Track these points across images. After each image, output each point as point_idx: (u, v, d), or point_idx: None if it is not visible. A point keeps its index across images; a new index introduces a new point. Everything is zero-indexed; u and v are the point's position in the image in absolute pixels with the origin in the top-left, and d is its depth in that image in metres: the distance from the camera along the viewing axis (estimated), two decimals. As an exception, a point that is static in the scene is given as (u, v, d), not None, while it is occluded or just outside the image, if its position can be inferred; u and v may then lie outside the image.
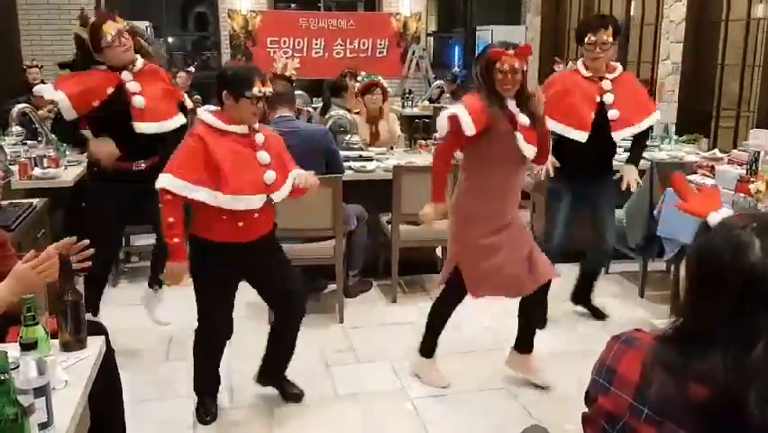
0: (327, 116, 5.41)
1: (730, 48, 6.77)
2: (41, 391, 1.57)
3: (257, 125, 2.94)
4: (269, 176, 2.88)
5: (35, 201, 3.71)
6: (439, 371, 3.52)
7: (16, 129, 5.60)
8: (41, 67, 8.13)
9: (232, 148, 2.83)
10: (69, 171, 4.63)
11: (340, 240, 4.22)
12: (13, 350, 1.58)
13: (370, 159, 5.01)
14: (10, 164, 4.47)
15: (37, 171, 4.48)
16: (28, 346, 1.60)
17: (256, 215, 2.89)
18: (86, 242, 2.21)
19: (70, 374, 1.88)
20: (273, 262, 3.12)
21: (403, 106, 9.45)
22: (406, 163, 4.78)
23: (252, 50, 10.15)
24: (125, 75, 3.47)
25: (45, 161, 4.58)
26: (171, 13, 10.77)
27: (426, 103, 9.53)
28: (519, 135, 3.06)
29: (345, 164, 4.70)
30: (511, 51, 2.99)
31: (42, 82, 7.60)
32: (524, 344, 3.46)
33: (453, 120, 3.06)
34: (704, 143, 6.18)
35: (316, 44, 10.39)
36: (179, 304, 3.18)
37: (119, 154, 3.51)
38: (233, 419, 3.21)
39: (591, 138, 3.78)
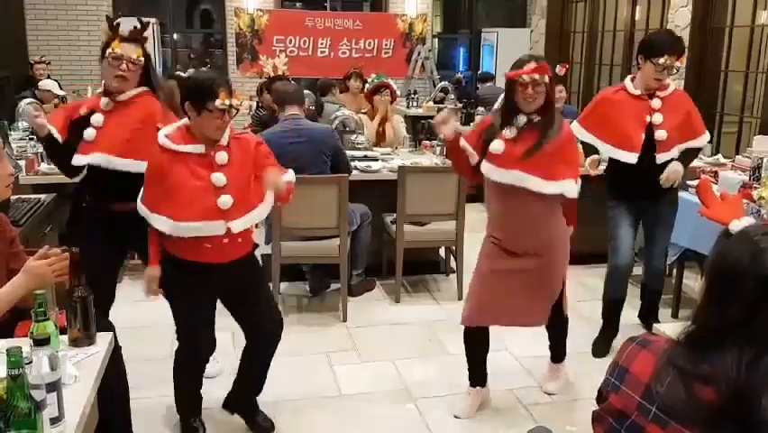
0: (333, 116, 5.44)
1: (734, 54, 6.78)
2: (53, 387, 1.60)
3: (224, 140, 2.67)
4: (224, 200, 2.61)
5: (43, 197, 3.74)
6: (467, 400, 3.31)
7: (23, 124, 5.63)
8: (49, 63, 8.17)
9: (186, 170, 2.61)
10: (76, 167, 4.64)
11: (344, 239, 4.24)
12: (24, 345, 1.60)
13: (375, 159, 5.03)
14: (17, 159, 4.50)
15: (44, 167, 4.50)
16: (41, 342, 1.63)
17: (225, 240, 2.67)
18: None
19: (80, 370, 1.90)
20: (248, 287, 2.90)
21: (408, 107, 9.47)
22: (411, 164, 4.80)
23: (258, 48, 10.17)
24: (103, 101, 3.06)
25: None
26: (177, 11, 10.79)
27: (431, 104, 9.54)
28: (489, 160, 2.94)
29: (350, 164, 4.73)
30: (533, 65, 2.86)
31: (49, 77, 7.64)
32: (551, 352, 3.50)
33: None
34: (707, 149, 6.19)
35: (322, 44, 10.41)
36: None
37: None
38: (236, 418, 3.21)
39: (641, 159, 3.59)
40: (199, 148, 2.62)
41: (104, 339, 2.12)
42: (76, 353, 2.00)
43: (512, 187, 2.91)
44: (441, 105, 9.26)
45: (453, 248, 4.80)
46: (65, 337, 2.05)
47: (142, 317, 3.96)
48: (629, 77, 3.74)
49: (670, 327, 2.33)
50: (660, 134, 3.57)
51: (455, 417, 3.26)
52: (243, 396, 3.09)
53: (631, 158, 3.59)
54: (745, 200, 3.80)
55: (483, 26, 11.40)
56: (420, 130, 8.60)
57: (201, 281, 2.75)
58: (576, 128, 3.66)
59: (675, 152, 3.62)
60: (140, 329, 3.87)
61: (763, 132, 5.94)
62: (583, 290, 4.78)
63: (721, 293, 1.20)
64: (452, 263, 4.98)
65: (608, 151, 3.68)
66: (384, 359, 3.83)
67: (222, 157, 2.63)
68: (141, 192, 2.70)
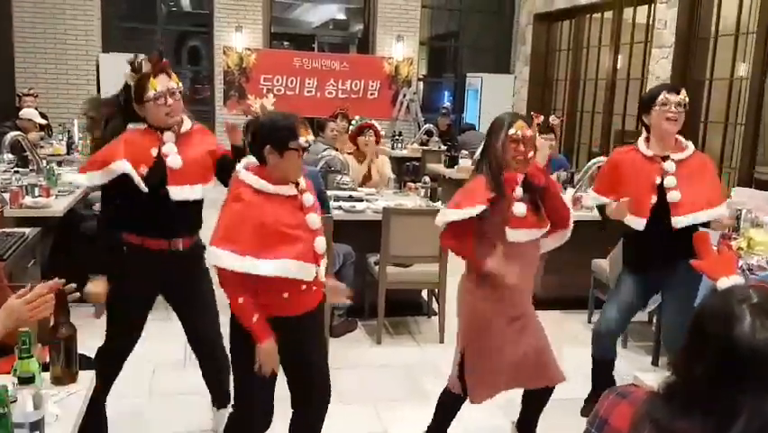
0: (319, 156, 5.48)
1: (714, 106, 6.95)
2: (37, 426, 1.59)
3: (302, 182, 2.56)
4: (320, 243, 2.50)
5: (27, 231, 3.72)
6: None
7: (7, 156, 5.62)
8: (37, 96, 8.18)
9: (282, 213, 2.45)
10: (60, 201, 4.64)
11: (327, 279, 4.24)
12: (7, 383, 1.59)
13: (360, 199, 5.07)
14: (1, 192, 4.49)
15: (28, 200, 4.48)
16: (25, 380, 1.62)
17: (303, 286, 2.48)
18: (74, 285, 2.16)
19: (61, 408, 1.89)
20: (315, 350, 2.71)
21: (393, 148, 9.57)
22: (395, 205, 4.83)
23: (246, 86, 10.26)
24: (167, 135, 2.89)
25: (37, 189, 4.60)
26: (166, 47, 10.88)
27: (416, 146, 9.66)
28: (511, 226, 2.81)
29: (335, 203, 4.77)
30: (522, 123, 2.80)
31: (36, 110, 7.64)
32: (525, 426, 3.26)
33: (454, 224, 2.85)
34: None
35: (309, 83, 10.52)
36: (162, 336, 3.16)
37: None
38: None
39: (653, 224, 3.32)
40: (290, 189, 2.49)
41: (86, 378, 2.10)
42: (57, 391, 1.98)
43: (517, 250, 2.83)
44: (426, 148, 9.37)
45: (436, 290, 4.81)
46: (46, 375, 2.03)
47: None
48: (643, 136, 3.47)
49: (650, 376, 2.35)
50: (673, 196, 3.28)
51: None
52: None
53: (639, 224, 3.34)
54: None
55: (468, 71, 11.60)
56: (405, 171, 8.71)
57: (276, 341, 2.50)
58: (592, 195, 3.60)
59: (696, 217, 3.30)
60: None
61: (742, 183, 6.07)
62: (564, 336, 4.80)
63: (692, 350, 1.22)
64: (435, 305, 4.99)
65: (625, 219, 3.39)
66: (364, 402, 3.81)
67: (309, 199, 2.54)
68: (222, 237, 2.40)
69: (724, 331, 1.16)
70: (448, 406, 3.12)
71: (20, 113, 7.27)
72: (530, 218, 2.84)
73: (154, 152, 2.85)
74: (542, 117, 5.92)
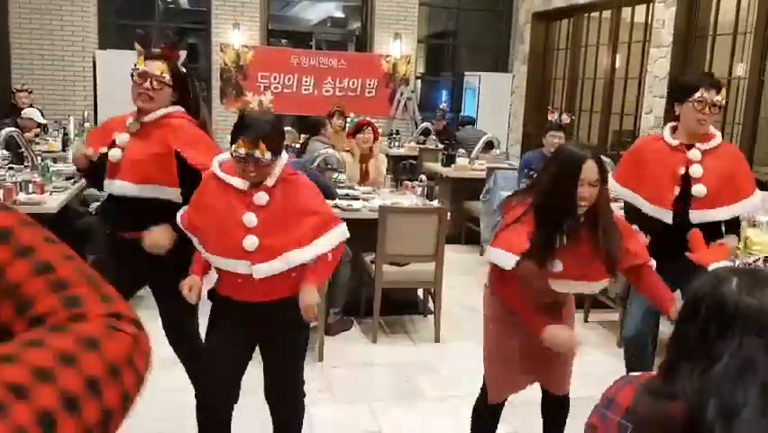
0: (316, 154, 5.46)
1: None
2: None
3: (270, 181, 2.53)
4: (249, 242, 2.48)
5: (20, 227, 3.68)
6: None
7: (2, 153, 5.59)
8: (31, 92, 8.15)
9: (225, 202, 2.53)
10: (54, 198, 4.61)
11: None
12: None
13: (356, 198, 5.05)
14: (-5, 188, 4.46)
15: (22, 197, 4.46)
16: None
17: (239, 279, 2.55)
18: None
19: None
20: (276, 338, 2.72)
21: (390, 147, 9.55)
22: (391, 204, 4.82)
23: (243, 84, 10.24)
24: (129, 120, 2.90)
25: (31, 186, 4.58)
26: (163, 44, 10.85)
27: (413, 144, 9.64)
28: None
29: (331, 202, 4.74)
30: (593, 164, 2.41)
31: (31, 106, 7.62)
32: None
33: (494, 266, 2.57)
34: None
35: (306, 81, 10.50)
36: (151, 333, 3.14)
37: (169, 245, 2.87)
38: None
39: (678, 217, 3.17)
40: (242, 184, 2.52)
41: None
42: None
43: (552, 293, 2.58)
44: (423, 146, 9.36)
45: (432, 289, 4.80)
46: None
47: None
48: (670, 125, 3.29)
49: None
50: (698, 189, 3.12)
51: None
52: None
53: (665, 215, 3.17)
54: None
55: (466, 69, 11.59)
56: (402, 170, 8.69)
57: (235, 323, 2.62)
58: (612, 185, 3.18)
59: (718, 213, 3.16)
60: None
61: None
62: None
63: (685, 318, 1.36)
64: (431, 304, 4.97)
65: (642, 206, 3.25)
66: (359, 400, 3.79)
67: (261, 198, 2.51)
68: (183, 209, 2.69)
69: (713, 291, 1.30)
70: (484, 420, 2.91)
71: (22, 112, 7.24)
72: (574, 271, 2.51)
73: (115, 135, 2.89)
74: (557, 113, 5.93)
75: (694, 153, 3.16)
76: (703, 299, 1.31)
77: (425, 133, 9.91)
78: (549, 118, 5.86)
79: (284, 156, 2.61)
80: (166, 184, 2.86)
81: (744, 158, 3.39)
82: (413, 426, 3.56)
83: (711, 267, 2.16)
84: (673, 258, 3.05)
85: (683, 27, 7.13)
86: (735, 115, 6.72)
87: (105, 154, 2.90)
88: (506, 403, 2.90)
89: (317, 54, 10.90)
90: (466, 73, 11.47)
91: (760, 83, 6.24)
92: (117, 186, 2.89)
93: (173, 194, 2.88)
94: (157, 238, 2.85)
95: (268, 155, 2.42)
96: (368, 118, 5.76)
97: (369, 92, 10.82)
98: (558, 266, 2.48)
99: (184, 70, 2.99)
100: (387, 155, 8.70)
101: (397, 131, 10.17)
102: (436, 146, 9.14)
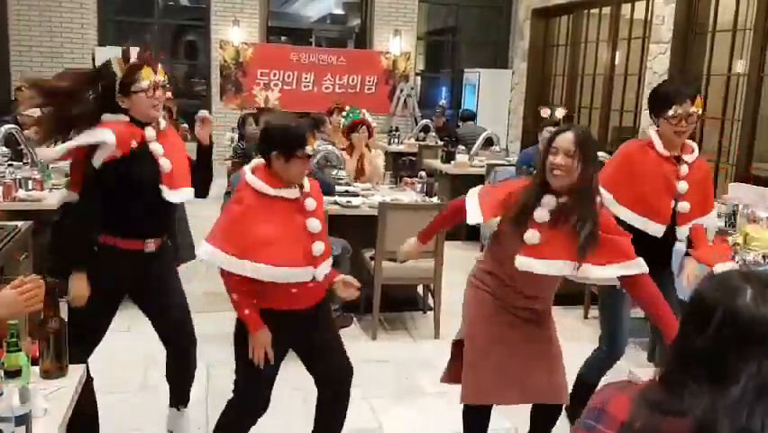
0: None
1: (711, 101, 6.93)
2: (22, 420, 1.57)
3: (306, 186, 2.64)
4: (318, 247, 2.57)
5: (20, 224, 3.68)
6: None
7: (2, 150, 5.58)
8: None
9: (281, 216, 2.55)
10: (54, 194, 4.61)
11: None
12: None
13: (355, 194, 5.05)
14: (-6, 185, 4.46)
15: (21, 193, 4.46)
16: (12, 374, 1.60)
17: (310, 283, 2.61)
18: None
19: (50, 402, 1.87)
20: (328, 330, 2.85)
21: (389, 143, 9.54)
22: (391, 200, 4.82)
23: (242, 81, 10.23)
24: (149, 132, 2.84)
25: (30, 183, 4.57)
26: (162, 41, 10.85)
27: (413, 141, 9.63)
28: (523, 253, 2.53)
29: (330, 198, 4.74)
30: (570, 135, 2.48)
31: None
32: None
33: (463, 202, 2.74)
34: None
35: (306, 78, 10.49)
36: (153, 331, 3.14)
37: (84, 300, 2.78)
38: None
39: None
40: (293, 193, 2.57)
41: (75, 372, 2.08)
42: (46, 385, 1.96)
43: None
44: (422, 143, 9.35)
45: (431, 286, 4.80)
46: (36, 369, 2.02)
47: (114, 345, 3.90)
48: (655, 130, 3.21)
49: (646, 371, 2.34)
50: (683, 206, 3.15)
51: None
52: None
53: (657, 230, 3.15)
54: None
55: (466, 66, 11.57)
56: (401, 166, 8.68)
57: (283, 333, 2.64)
58: (605, 197, 3.04)
59: (693, 225, 3.20)
60: (110, 357, 3.81)
61: (738, 179, 6.06)
62: (560, 332, 4.78)
63: (691, 327, 1.25)
64: (430, 301, 4.97)
65: (632, 220, 3.12)
66: (359, 397, 3.78)
67: (311, 204, 2.61)
68: (217, 236, 2.52)
69: (726, 302, 1.19)
70: (471, 423, 2.95)
71: (20, 108, 7.21)
72: (550, 250, 2.51)
73: (134, 143, 2.78)
74: (548, 111, 5.92)
75: (684, 169, 3.16)
76: (714, 310, 1.20)
77: (425, 129, 9.91)
78: (542, 115, 5.87)
79: None
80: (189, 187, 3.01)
81: (710, 173, 3.42)
82: (413, 422, 3.56)
83: (716, 268, 2.16)
84: (657, 272, 2.99)
85: (683, 23, 7.12)
86: (734, 112, 6.72)
87: (128, 162, 2.78)
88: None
89: (317, 51, 10.89)
90: (466, 70, 11.46)
91: (759, 79, 6.24)
92: (185, 193, 2.95)
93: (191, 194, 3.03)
94: (79, 290, 2.76)
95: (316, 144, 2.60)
96: (361, 116, 5.74)
97: (368, 89, 10.81)
98: (535, 238, 2.50)
99: None
100: (386, 152, 8.72)
101: (397, 128, 10.16)
102: (436, 143, 9.14)
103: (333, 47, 11.67)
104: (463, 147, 7.67)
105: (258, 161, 2.64)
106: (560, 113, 5.73)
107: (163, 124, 2.92)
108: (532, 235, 2.50)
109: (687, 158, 3.18)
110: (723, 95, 6.79)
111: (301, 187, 2.61)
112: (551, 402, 2.84)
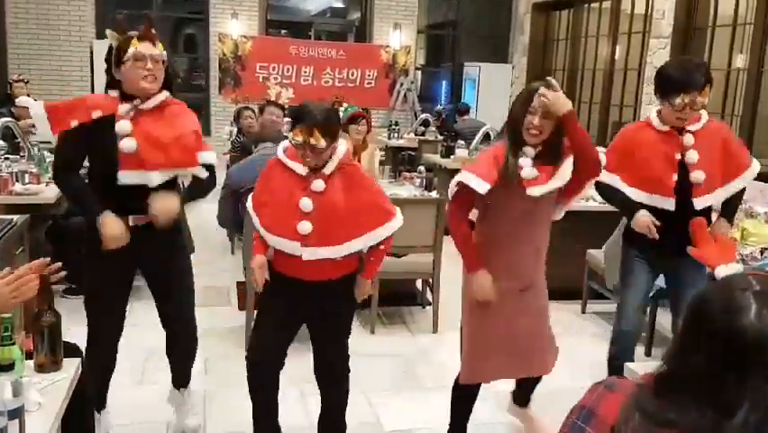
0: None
1: (710, 96, 6.90)
2: (15, 414, 1.56)
3: (328, 169, 2.66)
4: (303, 226, 2.62)
5: (16, 217, 3.67)
6: None
7: (-1, 142, 5.57)
8: (27, 82, 8.12)
9: (285, 186, 2.69)
10: (51, 188, 4.59)
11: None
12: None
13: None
14: (-9, 178, 4.45)
15: (18, 187, 4.45)
16: (4, 368, 1.59)
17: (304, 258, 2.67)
18: (59, 264, 2.11)
19: (44, 396, 1.86)
20: (331, 314, 2.85)
21: (389, 138, 9.53)
22: (390, 195, 4.78)
23: (241, 74, 10.20)
24: (122, 107, 2.74)
25: (27, 176, 4.56)
26: (161, 33, 10.79)
27: (412, 135, 9.61)
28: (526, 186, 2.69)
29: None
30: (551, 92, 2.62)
31: (28, 96, 7.58)
32: (520, 398, 3.29)
33: (461, 185, 2.75)
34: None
35: (305, 72, 10.47)
36: (155, 323, 3.13)
37: (125, 242, 2.77)
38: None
39: (676, 205, 3.12)
40: (302, 169, 2.68)
41: (70, 365, 2.07)
42: (41, 378, 1.95)
43: (529, 213, 2.75)
44: (422, 138, 9.33)
45: (430, 280, 4.79)
46: (31, 362, 2.01)
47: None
48: (655, 109, 3.21)
49: (643, 365, 2.33)
50: (696, 176, 3.08)
51: None
52: None
53: (668, 203, 3.11)
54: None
55: (466, 60, 11.54)
56: (401, 161, 8.67)
57: (288, 299, 2.79)
58: (606, 176, 3.16)
59: (718, 194, 3.15)
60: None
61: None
62: (556, 326, 4.78)
63: (691, 341, 1.18)
64: (429, 296, 4.97)
65: (642, 199, 3.16)
66: (357, 391, 3.78)
67: (318, 185, 2.65)
68: (254, 192, 2.81)
69: (728, 320, 1.12)
70: (462, 399, 3.05)
71: (16, 100, 7.21)
72: (545, 177, 2.70)
73: (96, 113, 2.71)
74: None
75: (688, 138, 3.10)
76: (715, 328, 1.13)
77: (425, 124, 9.89)
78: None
79: (343, 145, 2.72)
80: (189, 165, 2.87)
81: (731, 131, 3.29)
82: (410, 416, 3.56)
83: (718, 271, 2.09)
84: (663, 249, 3.12)
85: (683, 18, 7.10)
86: (734, 107, 6.70)
87: (88, 131, 2.72)
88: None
89: (316, 45, 10.86)
90: (466, 64, 11.44)
91: (759, 74, 6.22)
92: (147, 177, 2.76)
93: (198, 171, 2.91)
94: (167, 203, 2.78)
95: (322, 142, 2.56)
96: (360, 110, 5.71)
97: (368, 83, 10.79)
98: (533, 173, 2.67)
99: None
100: (386, 146, 8.70)
101: (397, 122, 10.15)
102: (436, 137, 9.13)
103: (333, 40, 11.64)
104: (463, 142, 7.65)
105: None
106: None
107: (156, 100, 2.78)
108: (529, 172, 2.67)
109: (691, 127, 3.10)
110: (723, 90, 6.77)
111: (318, 169, 2.66)
112: (541, 374, 3.06)
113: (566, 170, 2.74)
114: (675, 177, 3.09)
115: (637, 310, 3.35)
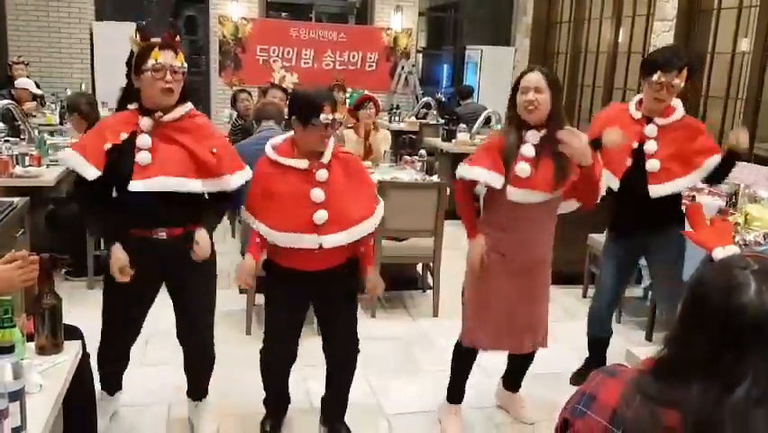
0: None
1: (714, 80, 6.88)
2: (16, 396, 1.55)
3: (326, 158, 2.73)
4: (319, 215, 2.67)
5: (16, 200, 3.66)
6: (457, 421, 3.27)
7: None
8: (28, 64, 8.09)
9: (288, 183, 2.70)
10: (51, 171, 4.58)
11: (322, 252, 4.22)
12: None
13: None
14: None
15: (18, 170, 4.43)
16: (4, 350, 1.59)
17: (317, 250, 2.73)
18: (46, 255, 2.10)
19: (45, 378, 1.86)
20: (338, 298, 2.96)
21: (390, 121, 9.48)
22: (391, 179, 4.78)
23: (242, 56, 10.15)
24: (144, 122, 2.68)
25: (27, 159, 4.55)
26: (161, 16, 10.75)
27: (413, 119, 9.57)
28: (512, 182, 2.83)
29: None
30: (537, 74, 2.80)
31: (27, 78, 7.56)
32: (510, 383, 3.43)
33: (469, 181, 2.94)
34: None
35: (306, 54, 10.41)
36: (154, 307, 3.12)
37: (130, 274, 2.69)
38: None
39: (631, 188, 3.32)
40: (302, 163, 2.72)
41: (72, 348, 2.07)
42: (42, 361, 1.95)
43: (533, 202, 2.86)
44: (423, 121, 9.29)
45: (431, 264, 4.78)
46: (32, 345, 2.00)
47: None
48: (638, 97, 3.42)
49: (644, 350, 2.33)
50: (651, 164, 3.27)
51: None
52: (329, 412, 3.18)
53: (614, 183, 3.33)
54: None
55: (468, 43, 11.47)
56: (402, 145, 8.64)
57: (297, 288, 2.87)
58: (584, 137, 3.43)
59: (676, 185, 3.31)
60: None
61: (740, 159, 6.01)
62: (558, 310, 4.79)
63: (692, 322, 1.19)
64: (430, 280, 4.96)
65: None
66: (357, 374, 3.78)
67: (322, 174, 2.72)
68: (246, 198, 2.81)
69: (728, 298, 1.13)
70: (461, 357, 3.21)
71: (15, 82, 7.19)
72: (538, 179, 2.80)
73: (123, 135, 2.67)
74: None
75: (650, 129, 3.29)
76: (716, 307, 1.14)
77: (426, 107, 9.84)
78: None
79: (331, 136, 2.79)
80: (211, 176, 2.78)
81: (704, 130, 3.43)
82: (411, 399, 3.57)
83: (715, 252, 2.10)
84: (634, 227, 3.46)
85: (687, 1, 7.05)
86: (738, 91, 6.66)
87: (118, 152, 2.68)
88: (508, 420, 3.23)
89: (317, 27, 10.79)
90: (467, 47, 11.36)
91: (764, 58, 6.18)
92: (157, 182, 2.67)
93: (222, 184, 2.81)
94: (205, 246, 2.78)
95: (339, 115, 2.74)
96: (368, 93, 5.69)
97: (369, 66, 10.74)
98: (525, 170, 2.78)
99: None
100: (388, 130, 8.66)
101: (398, 105, 10.10)
102: (437, 121, 9.08)
103: (334, 23, 11.56)
104: (464, 125, 7.61)
105: (284, 136, 2.84)
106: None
107: (177, 113, 2.72)
108: (522, 168, 2.79)
109: (660, 120, 3.29)
110: (727, 73, 6.73)
111: (318, 157, 2.72)
112: (533, 350, 3.19)
113: (565, 170, 2.80)
114: (629, 162, 3.30)
115: (610, 289, 3.62)
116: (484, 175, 2.84)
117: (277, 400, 3.16)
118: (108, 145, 2.66)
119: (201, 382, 3.15)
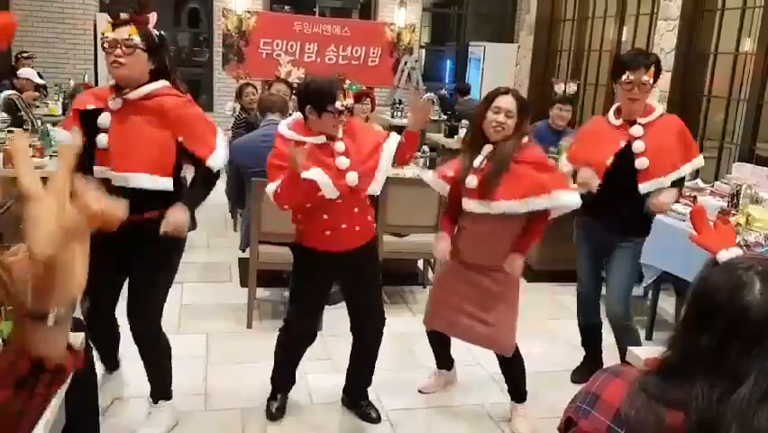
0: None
1: (717, 80, 6.88)
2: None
3: (339, 133, 2.92)
4: (351, 177, 2.87)
5: (19, 191, 3.66)
6: (432, 379, 3.69)
7: (2, 115, 5.56)
8: (34, 57, 8.08)
9: (312, 158, 2.78)
10: (54, 161, 4.58)
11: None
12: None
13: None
14: (-5, 151, 4.44)
15: (21, 160, 4.43)
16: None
17: (344, 225, 2.93)
18: None
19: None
20: (365, 275, 3.16)
21: (392, 117, 9.48)
22: (393, 174, 4.78)
23: (245, 50, 10.14)
24: (113, 102, 2.67)
25: (30, 150, 4.54)
26: (164, 8, 10.74)
27: (416, 114, 9.55)
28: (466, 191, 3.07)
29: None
30: (511, 98, 3.03)
31: (31, 68, 7.56)
32: (510, 392, 3.42)
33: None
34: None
35: (309, 49, 10.40)
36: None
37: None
38: (206, 425, 3.19)
39: (617, 188, 3.33)
40: (320, 139, 2.87)
41: (75, 339, 2.08)
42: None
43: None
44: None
45: (431, 260, 4.80)
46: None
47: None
48: (615, 105, 3.51)
49: (644, 350, 2.34)
50: (640, 162, 3.30)
51: (419, 391, 3.62)
52: (354, 390, 3.39)
53: (594, 181, 3.34)
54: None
55: (471, 39, 11.46)
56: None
57: (323, 270, 3.06)
58: (563, 162, 3.68)
59: (666, 181, 3.34)
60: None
61: (742, 159, 6.02)
62: (557, 308, 4.80)
63: (696, 322, 1.20)
64: (430, 275, 4.98)
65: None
66: (358, 369, 3.80)
67: (339, 146, 2.89)
68: (274, 185, 2.85)
69: (732, 298, 1.15)
70: (429, 336, 3.58)
71: (18, 72, 7.19)
72: (482, 191, 3.00)
73: (89, 106, 2.68)
74: (562, 85, 5.85)
75: (636, 129, 3.34)
76: (720, 306, 1.16)
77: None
78: (555, 90, 5.80)
79: None
80: (160, 174, 2.69)
81: (683, 126, 3.49)
82: (410, 395, 3.58)
83: (720, 255, 2.11)
84: (603, 226, 3.50)
85: (691, 1, 7.04)
86: (741, 91, 6.66)
87: (86, 129, 2.66)
88: (505, 413, 3.34)
89: (321, 21, 10.77)
90: (471, 43, 11.35)
91: (767, 58, 6.17)
92: (108, 173, 2.63)
93: (166, 184, 2.71)
94: (179, 222, 2.69)
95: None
96: (365, 89, 5.70)
97: (372, 61, 10.72)
98: (473, 182, 3.01)
99: (157, 33, 2.75)
100: (389, 125, 8.66)
101: (400, 101, 10.09)
102: (439, 117, 9.08)
103: (338, 17, 11.54)
104: (467, 122, 7.61)
105: (296, 116, 2.98)
106: (572, 88, 5.69)
107: (142, 91, 2.67)
108: (471, 180, 3.02)
109: (643, 120, 3.36)
110: (730, 74, 6.72)
111: (330, 137, 2.89)
112: (491, 349, 3.28)
113: (490, 185, 2.99)
114: (611, 159, 3.33)
115: (588, 276, 3.73)
116: (431, 180, 3.28)
117: (284, 379, 3.29)
118: (82, 107, 2.73)
119: (153, 375, 3.03)
